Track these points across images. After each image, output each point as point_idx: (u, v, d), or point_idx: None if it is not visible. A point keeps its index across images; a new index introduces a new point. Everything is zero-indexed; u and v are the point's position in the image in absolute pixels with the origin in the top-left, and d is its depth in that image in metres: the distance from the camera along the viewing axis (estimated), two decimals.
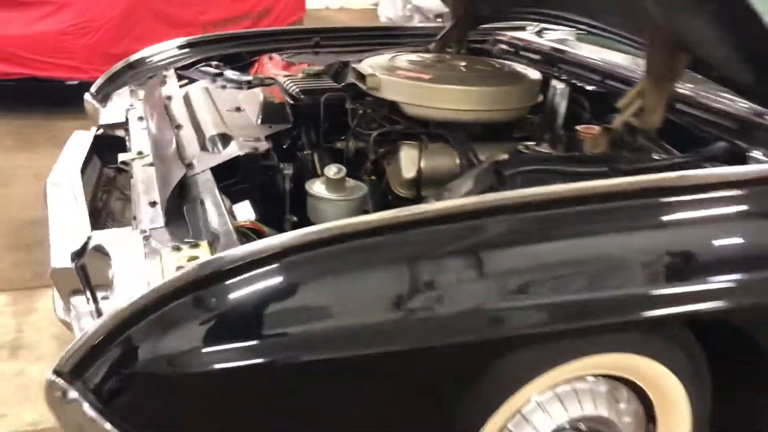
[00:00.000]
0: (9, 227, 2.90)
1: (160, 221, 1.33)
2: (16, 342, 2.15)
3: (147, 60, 2.45)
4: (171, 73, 2.18)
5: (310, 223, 1.38)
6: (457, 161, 1.62)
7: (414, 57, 1.91)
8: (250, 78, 2.13)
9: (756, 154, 1.42)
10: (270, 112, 1.67)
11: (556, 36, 2.36)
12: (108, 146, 2.01)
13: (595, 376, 1.31)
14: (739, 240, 1.26)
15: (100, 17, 4.23)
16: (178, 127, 1.63)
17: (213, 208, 1.26)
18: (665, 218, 1.23)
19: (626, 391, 1.36)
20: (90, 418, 0.96)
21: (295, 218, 1.49)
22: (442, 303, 1.05)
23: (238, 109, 1.73)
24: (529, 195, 1.14)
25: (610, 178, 1.25)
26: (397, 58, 1.89)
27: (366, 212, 1.49)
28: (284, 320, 1.03)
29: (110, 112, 2.11)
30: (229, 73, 2.20)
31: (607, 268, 1.16)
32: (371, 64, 1.82)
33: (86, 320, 1.27)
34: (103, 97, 2.31)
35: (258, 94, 1.77)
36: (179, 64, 2.36)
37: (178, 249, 1.19)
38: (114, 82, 2.36)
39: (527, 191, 1.15)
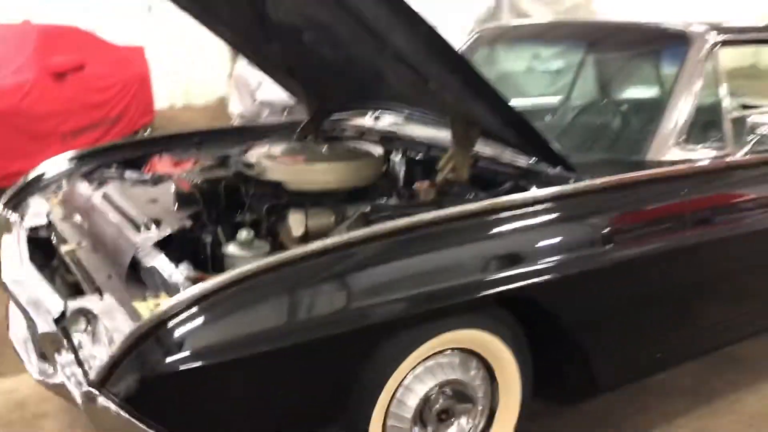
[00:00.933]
0: None
1: (120, 287, 1.76)
2: None
3: (46, 173, 2.81)
4: (79, 180, 2.58)
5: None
6: (332, 218, 2.18)
7: (286, 146, 2.47)
8: (148, 176, 2.59)
9: (532, 189, 2.10)
10: (184, 199, 2.16)
11: (390, 119, 3.02)
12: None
13: (450, 350, 1.89)
14: (526, 242, 1.90)
15: None
16: (111, 219, 2.07)
17: (166, 268, 1.73)
18: (470, 235, 1.84)
19: (474, 359, 1.94)
20: (115, 412, 1.38)
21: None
22: (328, 305, 1.58)
23: (154, 201, 2.20)
24: (380, 229, 1.72)
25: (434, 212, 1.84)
26: (273, 148, 2.44)
27: None
28: (211, 336, 1.51)
29: (31, 218, 2.47)
30: (129, 174, 2.64)
31: (443, 269, 1.75)
32: (255, 155, 2.36)
33: (71, 368, 1.66)
34: (14, 206, 2.65)
35: (170, 186, 2.25)
36: (80, 172, 2.75)
37: (144, 300, 1.64)
38: (21, 194, 2.71)
39: (378, 227, 1.73)
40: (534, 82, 3.51)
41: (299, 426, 1.64)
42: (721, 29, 2.53)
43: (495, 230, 1.87)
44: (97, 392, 1.40)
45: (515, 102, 2.85)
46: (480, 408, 1.99)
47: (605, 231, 1.98)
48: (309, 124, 2.91)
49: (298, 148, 2.45)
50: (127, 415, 1.39)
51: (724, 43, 2.47)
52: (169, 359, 1.45)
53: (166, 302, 1.57)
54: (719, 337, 2.57)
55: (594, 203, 2.02)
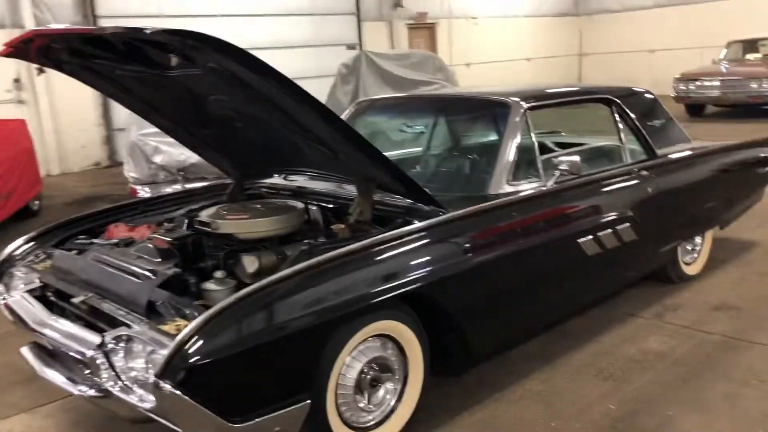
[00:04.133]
0: None
1: (142, 319, 2.47)
2: None
3: (15, 251, 3.37)
4: (57, 250, 3.20)
5: (209, 306, 2.59)
6: (275, 258, 2.96)
7: (228, 207, 3.24)
8: (116, 240, 3.25)
9: (415, 222, 3.00)
10: (164, 253, 2.87)
11: (297, 178, 3.85)
12: None
13: (374, 336, 2.74)
14: (416, 258, 2.80)
15: None
16: (114, 273, 2.74)
17: (177, 301, 2.46)
18: (378, 257, 2.70)
19: (389, 342, 2.80)
20: (173, 394, 2.11)
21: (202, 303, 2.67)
22: (291, 313, 2.38)
23: (140, 257, 2.89)
24: (318, 260, 2.54)
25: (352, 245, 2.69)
26: (219, 209, 3.19)
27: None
28: (222, 339, 2.25)
29: (24, 284, 3.06)
30: (98, 241, 3.29)
31: (364, 281, 2.60)
32: (206, 215, 3.10)
33: (111, 380, 2.35)
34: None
35: (144, 246, 2.95)
36: (50, 245, 3.35)
37: (167, 324, 2.37)
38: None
39: (317, 258, 2.55)
40: (401, 140, 4.50)
41: (284, 395, 2.41)
42: (529, 97, 3.63)
43: (395, 252, 2.75)
44: (159, 381, 2.12)
45: (390, 155, 3.81)
46: (397, 376, 2.85)
47: (468, 244, 2.93)
48: (235, 188, 3.69)
49: (239, 207, 3.23)
50: (179, 393, 2.12)
51: (532, 108, 3.57)
52: (200, 356, 2.18)
53: (189, 323, 2.29)
54: (554, 315, 3.61)
55: (458, 228, 2.96)
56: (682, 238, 4.36)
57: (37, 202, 7.79)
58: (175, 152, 6.50)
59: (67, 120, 10.84)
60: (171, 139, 4.06)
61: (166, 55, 2.38)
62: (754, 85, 12.27)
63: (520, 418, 3.03)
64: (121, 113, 9.93)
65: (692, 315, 4.03)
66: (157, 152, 6.55)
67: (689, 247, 4.59)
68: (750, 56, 13.80)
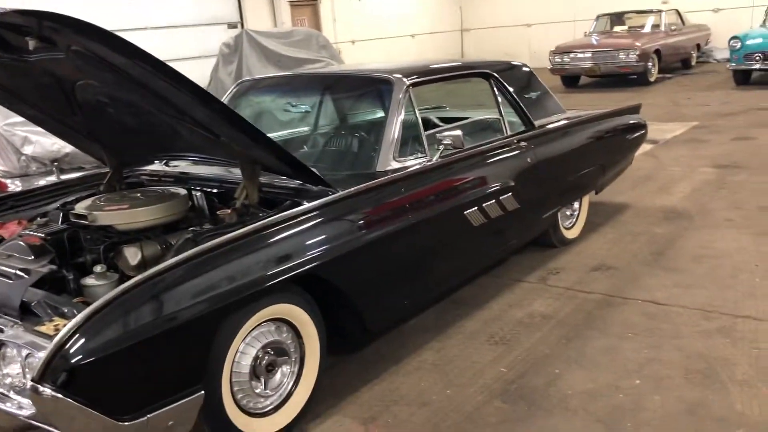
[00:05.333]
0: None
1: (16, 321, 2.31)
2: None
3: None
4: None
5: (90, 303, 2.47)
6: (159, 247, 2.85)
7: (105, 197, 3.08)
8: None
9: (305, 203, 2.97)
10: (37, 250, 2.70)
11: (179, 163, 3.73)
12: None
13: (267, 321, 2.71)
14: (306, 239, 2.78)
15: None
16: None
17: (55, 300, 2.32)
18: (267, 240, 2.66)
19: (284, 325, 2.78)
20: (55, 397, 2.00)
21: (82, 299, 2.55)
22: (178, 304, 2.29)
23: (10, 256, 2.70)
24: (204, 247, 2.46)
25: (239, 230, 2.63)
26: (96, 200, 3.03)
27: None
28: (105, 336, 2.13)
29: None
30: None
31: (253, 265, 2.55)
32: (82, 207, 2.94)
33: None
34: None
35: (19, 242, 2.76)
36: None
37: (44, 324, 2.24)
38: None
39: (203, 246, 2.46)
40: (286, 120, 4.44)
41: (176, 387, 2.34)
42: (411, 74, 3.66)
43: (284, 234, 2.71)
44: (39, 386, 1.99)
45: (276, 136, 3.74)
46: (294, 359, 2.83)
47: (358, 222, 2.94)
48: (112, 176, 3.51)
49: (117, 197, 3.08)
50: (61, 396, 2.00)
51: (414, 84, 3.61)
52: (83, 356, 2.07)
53: (69, 321, 2.15)
54: (445, 285, 3.71)
55: (347, 206, 2.96)
56: (561, 204, 4.58)
57: None
58: (47, 142, 6.12)
59: None
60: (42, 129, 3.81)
61: (22, 38, 2.21)
62: (621, 56, 13.01)
63: (417, 389, 3.10)
64: None
65: (573, 276, 4.26)
66: (26, 143, 6.14)
67: (568, 213, 4.83)
68: (617, 28, 14.62)
